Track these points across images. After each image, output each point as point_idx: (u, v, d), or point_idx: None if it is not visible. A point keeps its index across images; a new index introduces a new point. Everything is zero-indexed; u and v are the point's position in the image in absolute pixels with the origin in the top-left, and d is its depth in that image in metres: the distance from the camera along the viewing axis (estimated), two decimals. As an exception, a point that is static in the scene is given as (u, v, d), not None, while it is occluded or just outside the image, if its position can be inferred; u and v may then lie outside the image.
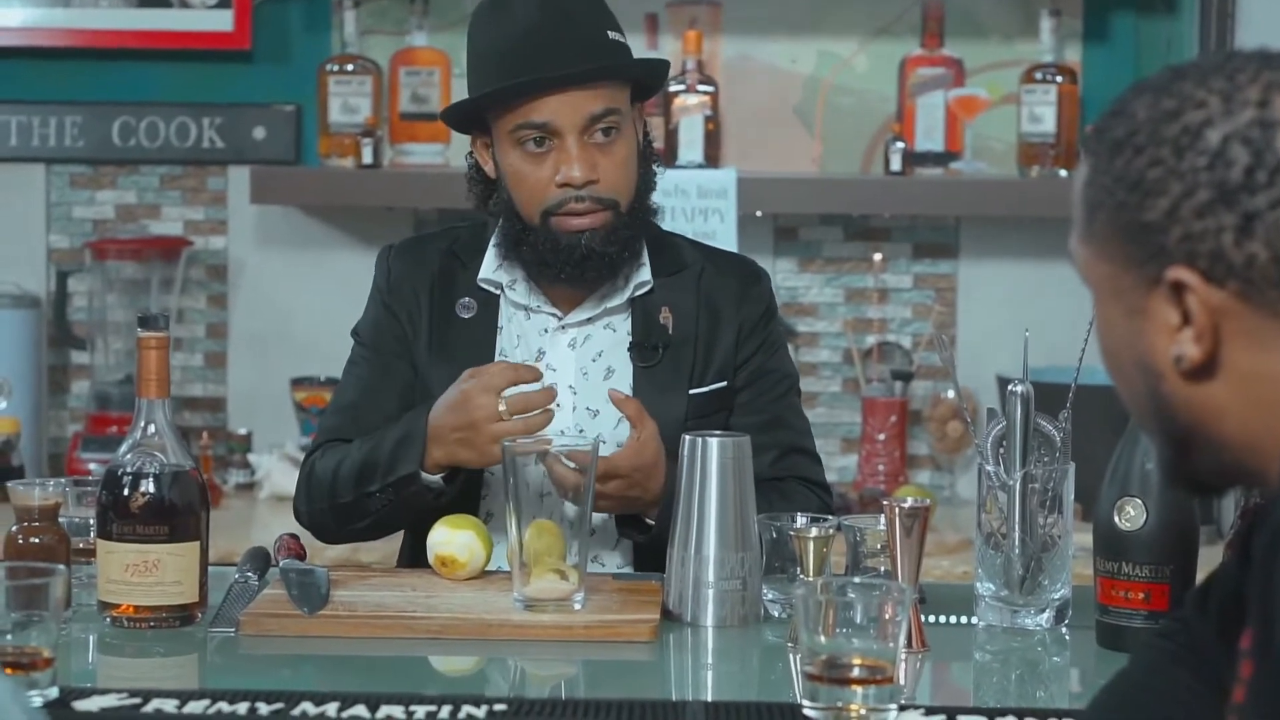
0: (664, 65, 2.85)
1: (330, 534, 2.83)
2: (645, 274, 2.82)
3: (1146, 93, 1.55)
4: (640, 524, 2.71)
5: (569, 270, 2.74)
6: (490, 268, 2.83)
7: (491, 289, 2.83)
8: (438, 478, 2.67)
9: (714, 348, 2.82)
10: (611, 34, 2.74)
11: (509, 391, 2.62)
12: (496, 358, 2.80)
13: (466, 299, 2.83)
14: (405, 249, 2.90)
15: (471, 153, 2.83)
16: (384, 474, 2.68)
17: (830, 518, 2.50)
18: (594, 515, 2.57)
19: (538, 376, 2.65)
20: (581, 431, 2.77)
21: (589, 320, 2.82)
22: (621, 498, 2.64)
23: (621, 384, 2.79)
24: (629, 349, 2.81)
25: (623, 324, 2.83)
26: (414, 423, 2.67)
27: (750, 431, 2.76)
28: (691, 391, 2.80)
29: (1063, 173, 4.15)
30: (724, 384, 2.82)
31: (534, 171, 2.72)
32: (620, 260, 2.76)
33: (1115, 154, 1.55)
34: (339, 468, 2.74)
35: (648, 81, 2.82)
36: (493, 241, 2.82)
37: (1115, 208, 1.54)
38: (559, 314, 2.82)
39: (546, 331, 2.82)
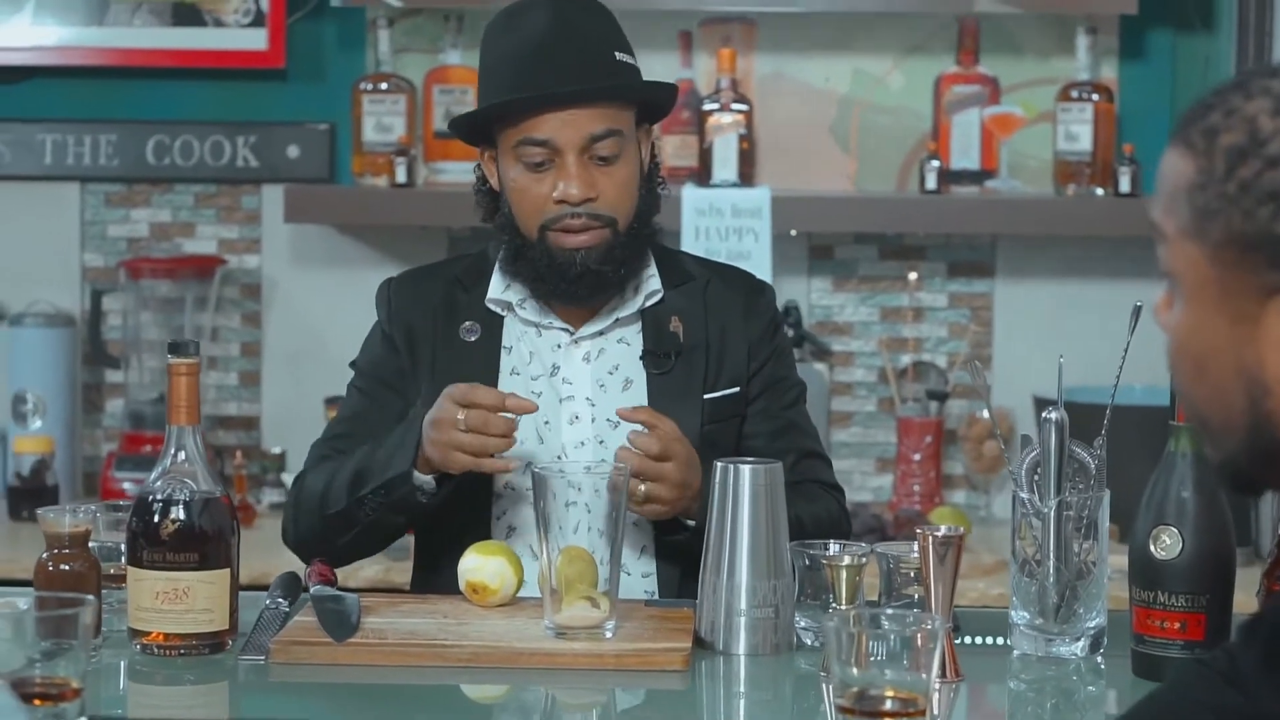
0: (669, 89, 2.84)
1: (317, 550, 2.79)
2: (655, 284, 2.83)
3: (1263, 96, 1.52)
4: (678, 524, 2.70)
5: (564, 287, 2.75)
6: (499, 288, 2.83)
7: (499, 310, 2.83)
8: (429, 478, 2.67)
9: (725, 355, 2.83)
10: (619, 55, 2.74)
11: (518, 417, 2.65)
12: (506, 377, 2.81)
13: (469, 323, 2.83)
14: (405, 281, 2.91)
15: (479, 165, 2.84)
16: (378, 474, 2.69)
17: (862, 544, 2.49)
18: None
19: (498, 404, 2.64)
20: (602, 443, 2.77)
21: (601, 333, 2.82)
22: (679, 492, 2.63)
23: (638, 393, 2.80)
24: (641, 357, 2.81)
25: (635, 336, 2.83)
26: (409, 426, 2.69)
27: (765, 438, 2.80)
28: (706, 396, 2.81)
29: (1099, 191, 4.13)
30: (736, 390, 2.83)
31: (534, 187, 2.73)
32: (615, 279, 2.77)
33: (1238, 162, 1.52)
34: (332, 479, 2.75)
35: (656, 104, 2.82)
36: (498, 262, 2.82)
37: (1241, 216, 1.51)
38: (570, 329, 2.82)
39: (560, 347, 2.82)
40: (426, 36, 4.33)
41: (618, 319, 2.81)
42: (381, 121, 4.23)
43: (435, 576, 2.78)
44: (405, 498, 2.69)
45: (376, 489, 2.69)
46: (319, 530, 2.77)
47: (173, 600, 2.37)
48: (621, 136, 2.73)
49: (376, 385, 2.85)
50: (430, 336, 2.83)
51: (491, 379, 2.79)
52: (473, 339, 2.82)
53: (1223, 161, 1.53)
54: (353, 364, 2.90)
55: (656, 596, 2.74)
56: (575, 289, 2.75)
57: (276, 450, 4.27)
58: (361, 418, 2.84)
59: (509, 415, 2.63)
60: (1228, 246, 1.53)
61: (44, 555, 2.45)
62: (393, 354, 2.84)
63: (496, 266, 2.83)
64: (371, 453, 2.72)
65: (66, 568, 2.42)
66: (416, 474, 2.67)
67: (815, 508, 2.76)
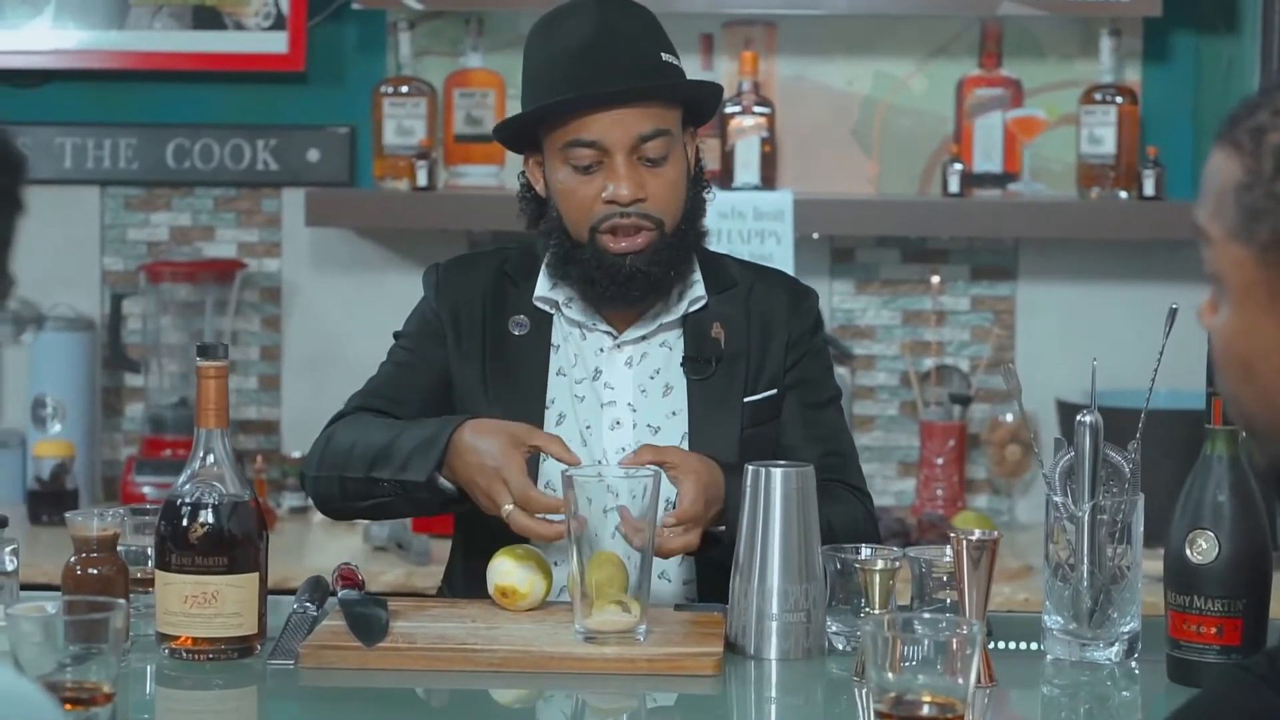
0: (716, 89, 2.83)
1: (333, 505, 2.80)
2: (699, 290, 2.82)
3: None
4: (709, 538, 2.66)
5: (614, 289, 2.74)
6: (545, 286, 2.82)
7: (546, 308, 2.82)
8: (453, 486, 2.65)
9: (765, 358, 2.82)
10: (665, 55, 2.74)
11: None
12: (553, 376, 2.80)
13: (520, 316, 2.82)
14: (453, 266, 2.90)
15: (524, 172, 2.82)
16: (396, 469, 2.67)
17: (894, 549, 2.47)
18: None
19: (569, 461, 2.61)
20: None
21: (644, 338, 2.81)
22: (705, 521, 2.60)
23: (678, 399, 2.79)
24: (682, 363, 2.79)
25: (677, 341, 2.82)
26: (441, 430, 2.65)
27: (794, 434, 2.78)
28: (745, 400, 2.79)
29: (1123, 194, 4.11)
30: (774, 391, 2.81)
31: (582, 188, 2.71)
32: (665, 280, 2.76)
33: None
34: (355, 444, 2.73)
35: (700, 106, 2.81)
36: (545, 261, 2.81)
37: None
38: (614, 332, 2.81)
39: (603, 350, 2.81)
40: (447, 39, 4.32)
41: (661, 324, 2.80)
42: (402, 125, 4.21)
43: (468, 577, 2.77)
44: (425, 500, 2.68)
45: (394, 481, 2.68)
46: (337, 487, 2.75)
47: (201, 604, 2.36)
48: (670, 137, 2.72)
49: (422, 345, 2.84)
50: (479, 324, 2.82)
51: (540, 376, 2.79)
52: (521, 333, 2.81)
53: (1271, 161, 1.52)
54: (397, 334, 2.90)
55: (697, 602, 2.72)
56: (626, 291, 2.74)
57: (296, 454, 4.25)
58: (404, 371, 2.84)
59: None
60: (1276, 247, 1.52)
61: (72, 559, 2.43)
62: (438, 323, 2.84)
63: (544, 265, 2.82)
64: (397, 436, 2.69)
65: (95, 571, 2.41)
66: (441, 480, 2.65)
67: (842, 509, 2.73)
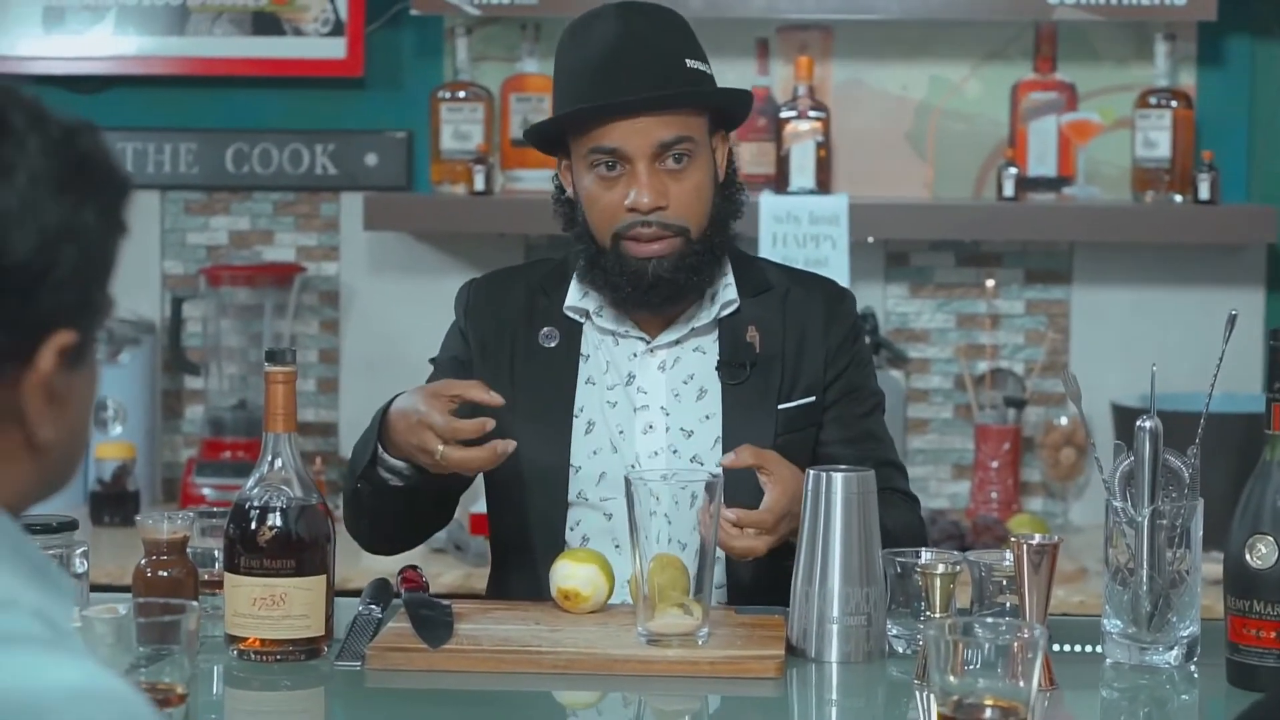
0: (739, 95, 2.83)
1: (354, 530, 2.81)
2: (732, 294, 2.83)
3: None
4: (786, 549, 2.66)
5: (636, 294, 2.75)
6: (576, 295, 2.83)
7: (577, 317, 2.84)
8: (402, 463, 2.64)
9: (801, 364, 2.82)
10: (691, 62, 2.73)
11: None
12: (582, 385, 2.81)
13: (549, 328, 2.83)
14: (484, 284, 2.91)
15: (557, 175, 2.84)
16: (361, 467, 2.67)
17: (954, 552, 2.49)
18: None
19: (492, 402, 2.59)
20: (675, 452, 2.77)
21: (677, 342, 2.82)
22: (780, 531, 2.60)
23: (712, 404, 2.80)
24: (716, 367, 2.81)
25: (711, 345, 2.83)
26: (376, 416, 2.66)
27: (840, 445, 2.78)
28: (780, 406, 2.80)
29: (1177, 198, 4.11)
30: (812, 399, 2.82)
31: (605, 195, 2.72)
32: (689, 286, 2.76)
33: None
34: (346, 473, 2.77)
35: (731, 111, 2.82)
36: (576, 270, 2.83)
37: None
38: (647, 337, 2.82)
39: (635, 355, 2.82)
40: (504, 45, 4.35)
41: (694, 328, 2.81)
42: (459, 129, 4.24)
43: (508, 584, 2.80)
44: (396, 490, 2.66)
45: (361, 478, 2.68)
46: (348, 513, 2.78)
47: (269, 606, 2.39)
48: (693, 143, 2.72)
49: (450, 375, 2.84)
50: (508, 343, 2.83)
51: (569, 386, 2.80)
52: (551, 345, 2.83)
53: None
54: (432, 360, 2.92)
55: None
56: (649, 297, 2.75)
57: (354, 457, 4.28)
58: None
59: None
60: None
61: (142, 561, 2.47)
62: (464, 345, 2.86)
63: (575, 274, 2.84)
64: (357, 441, 2.73)
65: (165, 574, 2.45)
66: (387, 458, 2.64)
67: (899, 514, 2.74)
